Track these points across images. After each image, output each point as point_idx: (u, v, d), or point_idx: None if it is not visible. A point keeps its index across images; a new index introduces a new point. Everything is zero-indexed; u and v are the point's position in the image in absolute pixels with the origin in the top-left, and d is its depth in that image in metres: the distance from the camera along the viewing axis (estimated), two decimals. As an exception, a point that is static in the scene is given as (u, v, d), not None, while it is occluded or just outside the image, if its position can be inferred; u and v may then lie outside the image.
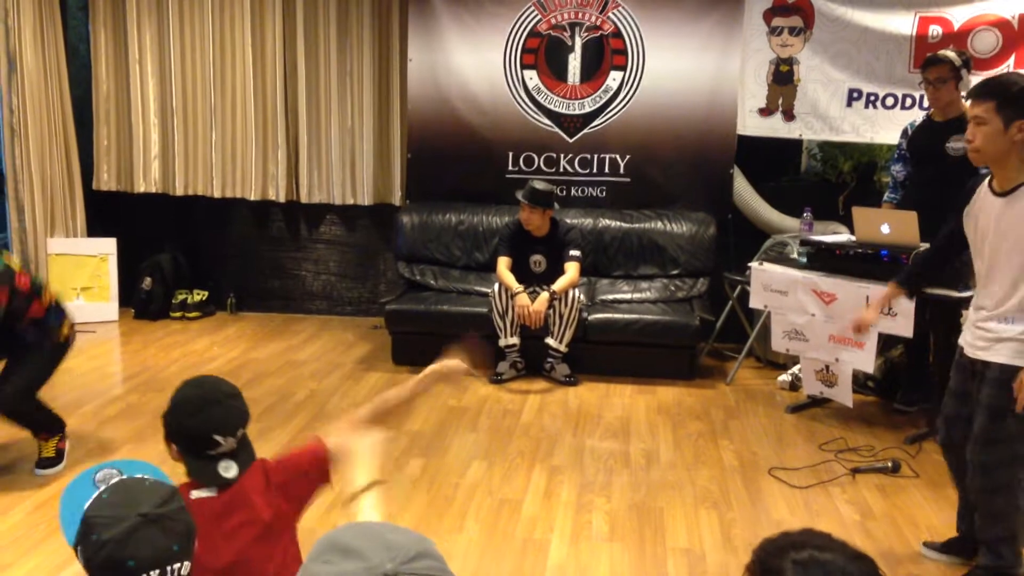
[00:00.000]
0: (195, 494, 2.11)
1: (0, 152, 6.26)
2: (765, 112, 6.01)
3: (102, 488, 1.66)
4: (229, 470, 2.12)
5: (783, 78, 5.96)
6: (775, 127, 6.00)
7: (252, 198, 6.75)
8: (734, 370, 5.60)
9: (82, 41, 6.70)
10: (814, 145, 6.33)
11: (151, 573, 1.54)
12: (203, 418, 2.11)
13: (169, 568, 1.57)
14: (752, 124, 6.02)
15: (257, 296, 7.01)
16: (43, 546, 3.42)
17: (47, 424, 4.12)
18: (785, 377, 5.44)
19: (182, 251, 6.94)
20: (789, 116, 5.97)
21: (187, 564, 1.61)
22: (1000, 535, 3.15)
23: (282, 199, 6.72)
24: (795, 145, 6.28)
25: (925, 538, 3.58)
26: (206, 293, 6.88)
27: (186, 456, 2.14)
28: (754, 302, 5.06)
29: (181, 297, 6.79)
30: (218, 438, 2.10)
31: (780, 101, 5.97)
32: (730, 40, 5.95)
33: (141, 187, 6.80)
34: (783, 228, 5.89)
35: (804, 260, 4.92)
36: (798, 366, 5.12)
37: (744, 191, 6.08)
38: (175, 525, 1.60)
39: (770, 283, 4.91)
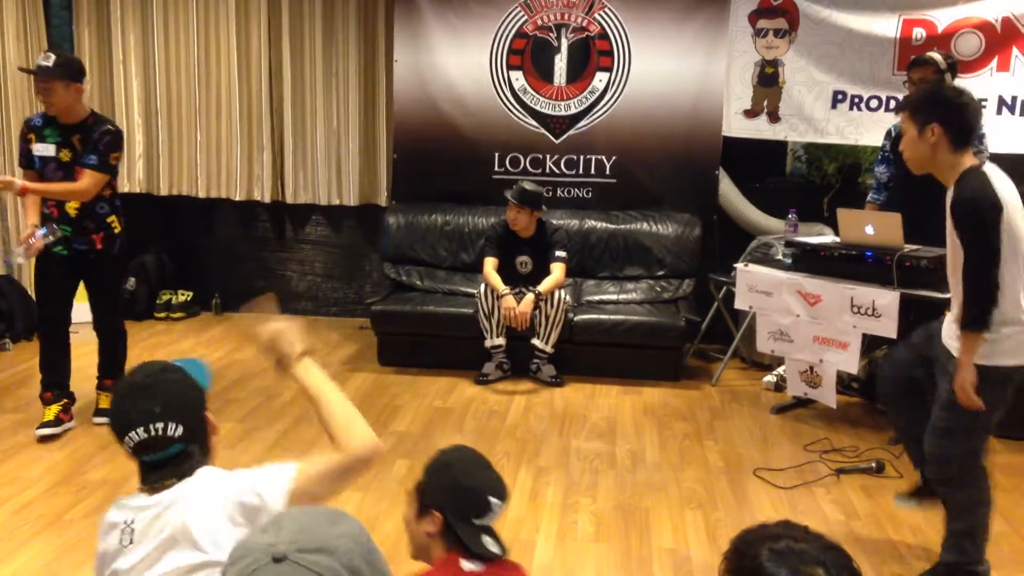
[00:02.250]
0: (465, 566, 2.01)
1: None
2: (750, 114, 6.02)
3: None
4: (492, 545, 2.02)
5: (768, 80, 5.98)
6: (760, 129, 6.02)
7: (237, 198, 6.73)
8: (719, 371, 5.62)
9: (65, 40, 6.65)
10: (799, 147, 6.36)
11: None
12: (482, 479, 2.02)
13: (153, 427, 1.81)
14: (737, 126, 6.04)
15: (242, 297, 6.95)
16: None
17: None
18: (770, 378, 5.46)
19: (167, 251, 6.91)
20: (774, 118, 5.98)
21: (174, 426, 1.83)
22: (962, 529, 3.17)
23: (267, 199, 6.70)
24: (780, 147, 6.30)
25: (909, 538, 3.60)
26: (191, 294, 6.85)
27: (454, 524, 2.01)
28: (739, 303, 5.07)
29: (166, 298, 6.76)
30: (493, 501, 2.02)
31: (765, 103, 5.99)
32: (716, 42, 5.97)
33: (125, 187, 6.75)
34: (768, 229, 5.91)
35: (789, 261, 4.94)
36: (783, 367, 5.14)
37: (729, 192, 6.10)
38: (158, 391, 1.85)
39: (755, 284, 4.93)
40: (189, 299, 6.83)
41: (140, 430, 1.81)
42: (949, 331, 3.13)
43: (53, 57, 4.31)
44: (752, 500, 3.95)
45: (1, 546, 3.41)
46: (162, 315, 6.73)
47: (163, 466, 1.84)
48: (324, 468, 1.87)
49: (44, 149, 4.41)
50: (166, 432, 1.82)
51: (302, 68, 6.53)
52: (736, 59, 5.98)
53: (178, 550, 1.75)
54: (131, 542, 1.78)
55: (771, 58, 5.96)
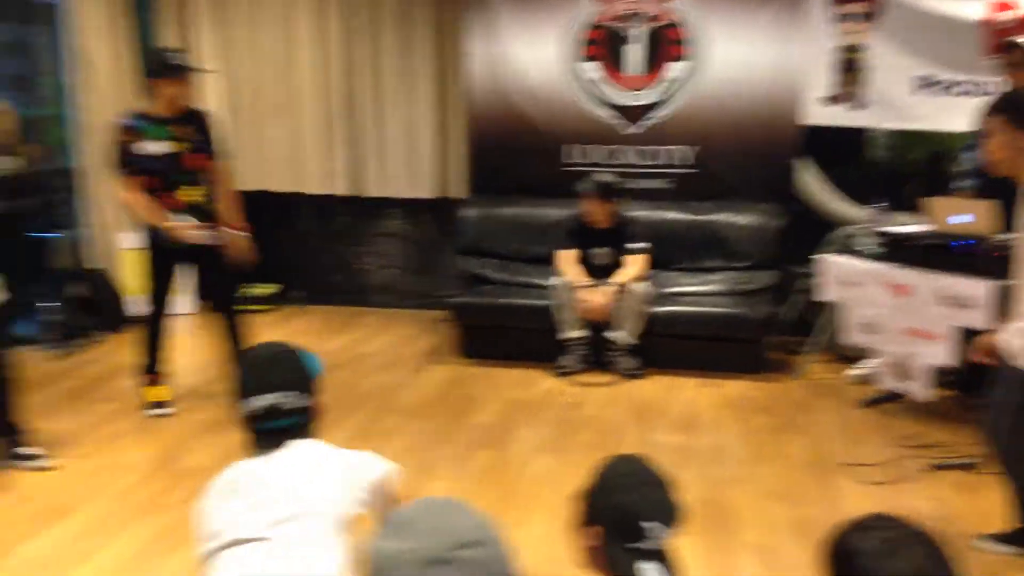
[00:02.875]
0: None
1: (69, 149, 6.40)
2: (831, 100, 5.90)
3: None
4: (651, 573, 1.76)
5: (850, 65, 5.84)
6: (841, 116, 5.88)
7: (316, 193, 6.83)
8: (803, 364, 5.52)
9: (149, 40, 6.81)
10: (881, 134, 6.19)
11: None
12: (639, 499, 1.79)
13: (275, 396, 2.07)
14: (817, 113, 5.91)
15: (322, 290, 7.09)
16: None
17: None
18: (857, 371, 5.35)
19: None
20: (856, 104, 5.85)
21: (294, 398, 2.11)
22: None
23: (345, 193, 6.78)
24: (862, 134, 6.16)
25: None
26: (274, 287, 6.97)
27: (609, 544, 1.79)
28: (825, 294, 4.97)
29: (249, 291, 6.88)
30: (649, 525, 1.77)
31: (847, 89, 5.86)
32: (794, 27, 5.85)
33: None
34: (851, 219, 5.77)
35: (875, 251, 4.82)
36: (870, 360, 5.03)
37: (810, 181, 5.98)
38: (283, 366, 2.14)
39: (840, 275, 4.82)
40: (272, 293, 6.95)
41: (262, 397, 1.98)
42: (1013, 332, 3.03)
43: (181, 54, 4.49)
44: (839, 495, 3.87)
45: (100, 531, 3.53)
46: (247, 307, 6.86)
47: (279, 433, 2.00)
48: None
49: (158, 147, 4.49)
50: (286, 403, 1.99)
51: (378, 63, 6.59)
52: (816, 44, 5.85)
53: (280, 503, 1.94)
54: (238, 495, 1.97)
55: (853, 43, 5.81)
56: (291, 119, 6.77)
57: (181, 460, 4.20)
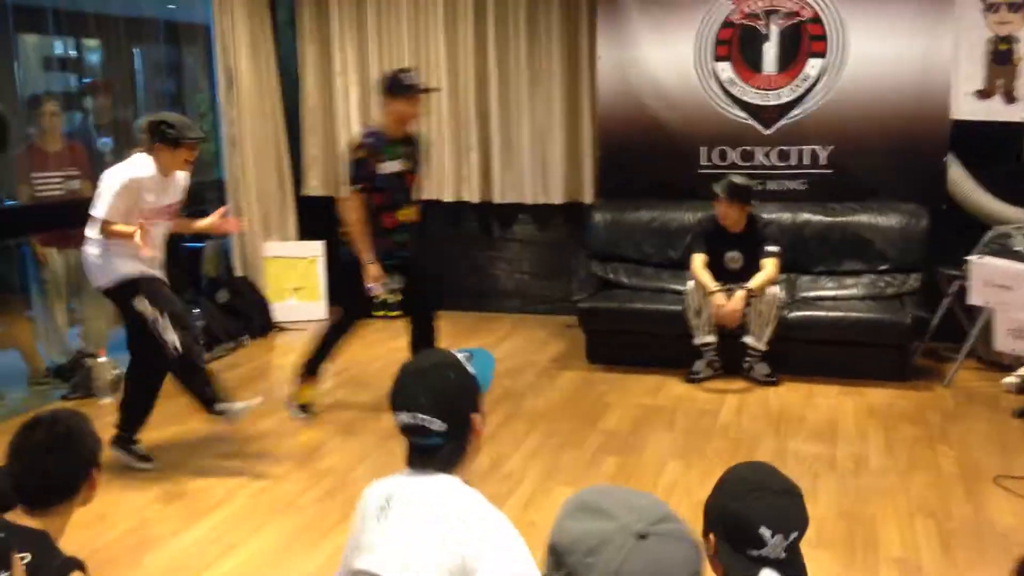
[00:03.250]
0: None
1: (220, 162, 6.72)
2: (983, 95, 5.60)
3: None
4: None
5: (1002, 57, 5.53)
6: (994, 110, 5.58)
7: (447, 199, 6.94)
8: (952, 371, 5.23)
9: (291, 57, 7.09)
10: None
11: (402, 412, 1.92)
12: (756, 505, 1.68)
13: (416, 414, 1.90)
14: (968, 108, 5.62)
15: (453, 295, 7.18)
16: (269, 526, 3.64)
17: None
18: (1011, 379, 5.04)
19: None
20: (1010, 98, 5.54)
21: (434, 420, 1.90)
22: None
23: (476, 199, 6.86)
24: (1018, 129, 5.79)
25: None
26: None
27: (724, 551, 1.70)
28: (974, 298, 4.71)
29: (382, 296, 7.04)
30: (766, 532, 1.65)
31: (999, 82, 5.55)
32: (941, 19, 5.58)
33: (345, 192, 7.11)
34: (1006, 218, 5.45)
35: (1030, 252, 4.54)
36: (1025, 367, 4.73)
37: (961, 180, 5.68)
38: (431, 381, 1.94)
39: (992, 278, 4.56)
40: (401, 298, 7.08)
41: (406, 414, 1.90)
42: None
43: (415, 74, 4.67)
44: (991, 510, 3.65)
45: (239, 528, 3.67)
46: (380, 313, 7.03)
47: (422, 452, 1.92)
48: None
49: (392, 167, 4.62)
50: (428, 423, 1.88)
51: (507, 70, 6.65)
52: (965, 37, 5.56)
53: (418, 535, 1.83)
54: (386, 517, 1.89)
55: (1005, 34, 5.51)
56: (424, 128, 6.89)
57: (319, 461, 4.32)
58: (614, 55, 6.19)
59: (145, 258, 4.00)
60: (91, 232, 4.03)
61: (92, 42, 6.78)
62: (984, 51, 5.57)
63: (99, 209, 3.92)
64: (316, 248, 6.99)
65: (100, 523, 3.63)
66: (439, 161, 6.89)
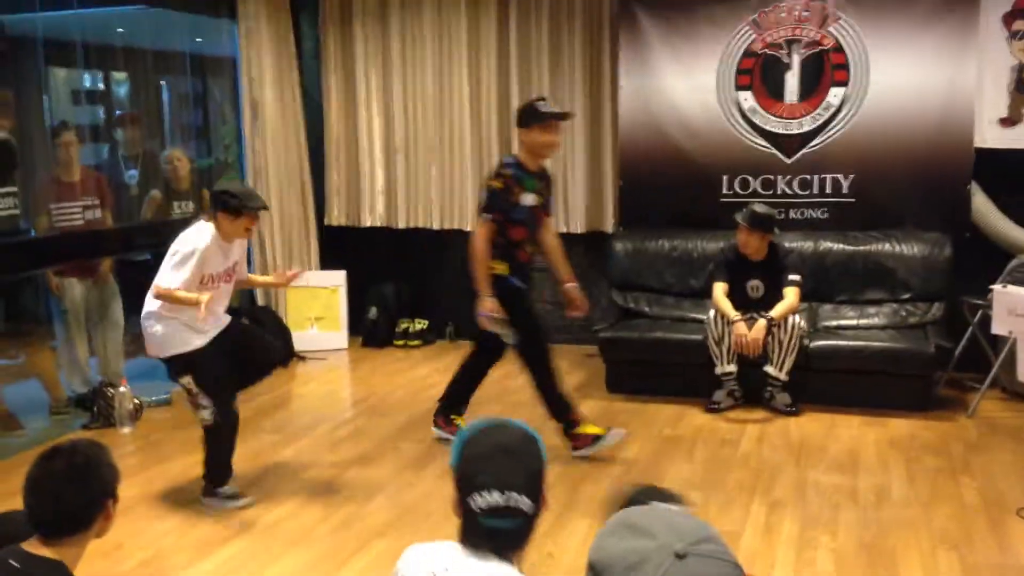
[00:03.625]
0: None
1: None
2: (1007, 122, 5.56)
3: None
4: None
5: (1027, 85, 5.50)
6: (1019, 138, 5.54)
7: (469, 229, 6.95)
8: (976, 401, 5.16)
9: (315, 88, 7.19)
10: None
11: (493, 492, 1.69)
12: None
13: (510, 495, 1.70)
14: (992, 136, 5.58)
15: (474, 325, 7.14)
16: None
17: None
18: (1036, 410, 4.97)
19: (404, 281, 7.25)
20: (1035, 126, 5.49)
21: (525, 500, 1.71)
22: None
23: (498, 229, 6.88)
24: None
25: None
26: (426, 322, 7.13)
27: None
28: (997, 327, 4.65)
29: (404, 326, 7.08)
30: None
31: (1024, 110, 5.51)
32: (965, 47, 5.56)
33: (367, 221, 7.18)
34: (1030, 247, 5.40)
35: (1056, 281, 4.48)
36: (1051, 398, 4.65)
37: (985, 208, 5.62)
38: (517, 462, 1.74)
39: (1016, 307, 4.50)
40: (425, 327, 7.12)
41: (499, 495, 1.69)
42: None
43: (551, 103, 4.51)
44: (1016, 543, 3.58)
45: (255, 559, 3.67)
46: (400, 343, 7.06)
47: (495, 534, 1.71)
48: None
49: (530, 199, 4.50)
50: (519, 504, 1.70)
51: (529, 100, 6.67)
52: (989, 65, 5.54)
53: None
54: None
55: (1029, 62, 5.48)
56: (447, 158, 6.95)
57: (336, 491, 4.32)
58: (636, 84, 6.21)
59: (205, 326, 4.02)
60: (152, 304, 4.03)
61: (120, 75, 6.92)
62: (1009, 79, 5.54)
63: (166, 279, 3.93)
64: (338, 278, 7.04)
65: (117, 552, 3.65)
66: (462, 190, 6.93)
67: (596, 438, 4.60)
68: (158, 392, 5.77)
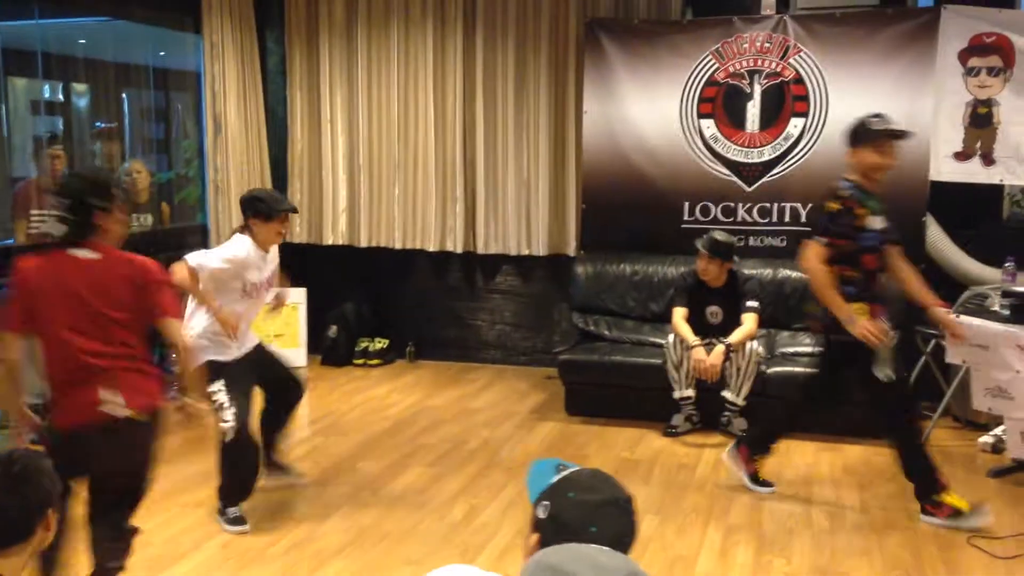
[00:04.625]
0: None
1: (205, 208, 6.73)
2: (961, 156, 5.67)
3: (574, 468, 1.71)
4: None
5: (981, 121, 5.62)
6: (973, 172, 5.65)
7: (431, 249, 6.96)
8: (929, 429, 5.23)
9: (280, 104, 7.16)
10: (1017, 191, 5.91)
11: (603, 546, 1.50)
12: None
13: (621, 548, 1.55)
14: (947, 169, 5.69)
15: (434, 345, 7.18)
16: None
17: None
18: (987, 438, 5.04)
19: (365, 300, 7.21)
20: (988, 160, 5.61)
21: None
22: None
23: (460, 250, 6.89)
24: (996, 191, 5.88)
25: None
26: (387, 341, 7.10)
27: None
28: (951, 357, 4.73)
29: (363, 345, 7.04)
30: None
31: (978, 145, 5.63)
32: (922, 82, 5.67)
33: (329, 239, 7.14)
34: (983, 279, 5.49)
35: (1007, 312, 4.56)
36: (1002, 427, 4.73)
37: (938, 240, 5.73)
38: (628, 519, 1.64)
39: (969, 337, 4.57)
40: (385, 347, 7.08)
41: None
42: None
43: (886, 119, 4.07)
44: (965, 570, 3.63)
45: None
46: (360, 361, 7.01)
47: None
48: None
49: (878, 223, 4.09)
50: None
51: (494, 122, 6.72)
52: (945, 100, 5.66)
53: None
54: None
55: (984, 98, 5.61)
56: (410, 178, 6.95)
57: (291, 511, 4.27)
58: (600, 110, 6.26)
59: (233, 342, 4.07)
60: (198, 322, 4.04)
61: (81, 87, 6.84)
62: (963, 114, 5.66)
63: (191, 257, 3.96)
64: (298, 295, 6.98)
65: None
66: (425, 210, 6.93)
67: (956, 512, 4.03)
68: (111, 407, 5.67)
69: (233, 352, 4.11)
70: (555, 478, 1.66)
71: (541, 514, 1.61)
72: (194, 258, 3.96)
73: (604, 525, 1.57)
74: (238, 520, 4.04)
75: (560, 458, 1.78)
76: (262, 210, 4.10)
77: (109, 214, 3.02)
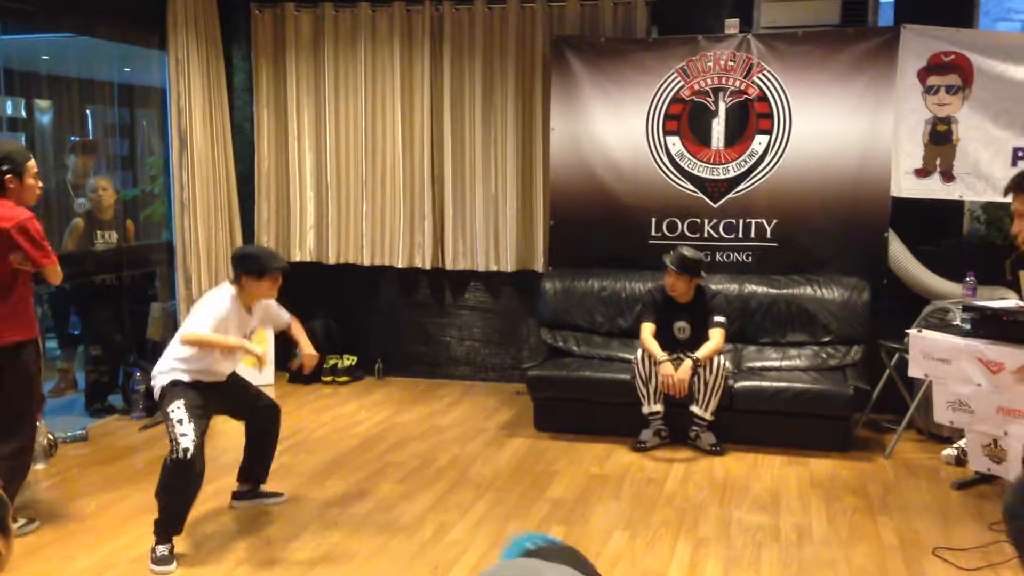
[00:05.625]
0: None
1: (171, 225, 6.68)
2: (922, 173, 5.77)
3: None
4: None
5: (941, 138, 5.72)
6: (933, 188, 5.75)
7: (400, 266, 6.95)
8: (893, 442, 5.30)
9: (247, 120, 7.13)
10: (977, 207, 6.02)
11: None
12: None
13: None
14: (908, 186, 5.79)
15: (403, 361, 7.16)
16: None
17: None
18: (950, 451, 5.11)
19: (334, 317, 7.18)
20: (948, 177, 5.71)
21: None
22: None
23: (428, 266, 6.89)
24: (956, 207, 5.99)
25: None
26: (355, 358, 7.07)
27: None
28: (914, 371, 4.78)
29: (332, 362, 7.00)
30: None
31: (938, 161, 5.73)
32: (882, 100, 5.77)
33: (297, 256, 7.11)
34: (944, 293, 5.59)
35: (968, 327, 4.64)
36: (964, 439, 4.80)
37: (900, 255, 5.82)
38: None
39: (931, 351, 4.64)
40: (354, 363, 7.05)
41: None
42: None
43: None
44: (932, 582, 3.67)
45: None
46: (328, 379, 6.97)
47: None
48: None
49: None
50: None
51: (462, 139, 6.74)
52: (905, 117, 5.75)
53: None
54: None
55: (943, 115, 5.71)
56: (378, 195, 6.94)
57: (258, 529, 4.23)
58: (567, 127, 6.30)
59: (216, 370, 4.14)
60: (169, 360, 4.08)
61: (44, 103, 6.77)
62: (923, 131, 5.76)
63: (194, 325, 4.03)
64: (266, 312, 6.93)
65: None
66: (393, 227, 6.92)
67: None
68: (73, 427, 5.61)
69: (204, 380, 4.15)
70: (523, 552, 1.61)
71: None
72: (194, 327, 4.02)
73: None
74: (165, 560, 3.78)
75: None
76: (254, 268, 4.16)
77: None
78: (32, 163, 4.07)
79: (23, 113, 6.90)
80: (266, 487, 4.60)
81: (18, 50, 6.47)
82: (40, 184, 4.15)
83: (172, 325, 6.68)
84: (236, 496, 4.53)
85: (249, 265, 4.16)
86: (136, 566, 3.83)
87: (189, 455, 3.81)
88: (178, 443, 3.84)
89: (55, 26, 6.05)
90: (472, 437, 5.64)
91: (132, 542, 4.05)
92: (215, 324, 4.02)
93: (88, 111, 7.03)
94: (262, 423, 4.46)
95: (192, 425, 3.89)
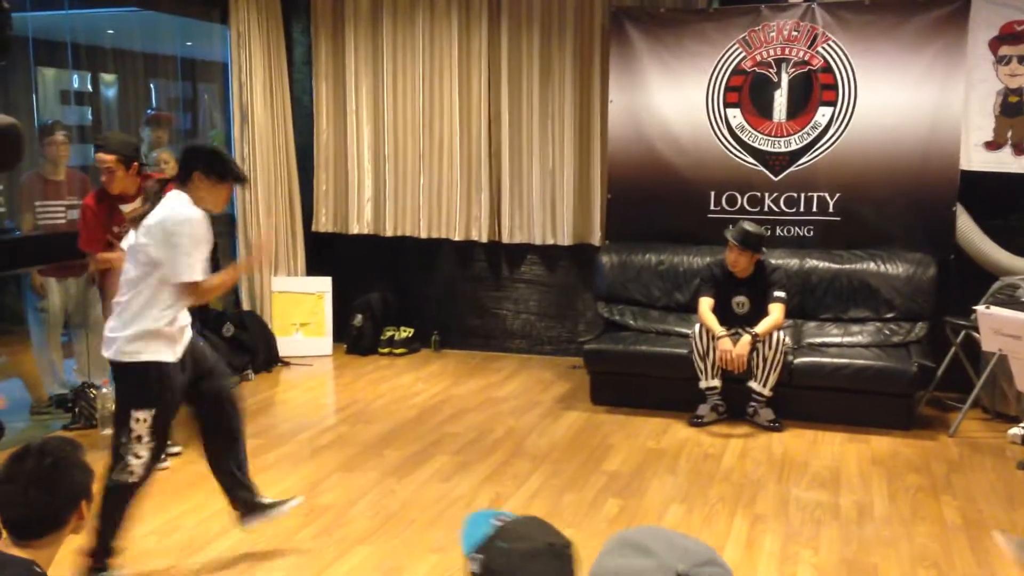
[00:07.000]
0: None
1: (233, 197, 6.77)
2: (992, 146, 5.61)
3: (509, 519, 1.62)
4: None
5: (1012, 109, 5.56)
6: (1004, 161, 5.59)
7: (456, 238, 6.97)
8: (958, 421, 5.19)
9: (305, 93, 7.18)
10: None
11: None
12: None
13: None
14: (978, 159, 5.63)
15: (459, 334, 7.19)
16: (258, 564, 3.60)
17: None
18: (1017, 430, 4.99)
19: (391, 290, 7.24)
20: (1020, 150, 5.55)
21: None
22: None
23: (484, 239, 6.89)
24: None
25: None
26: (412, 330, 7.12)
27: None
28: (987, 345, 4.67)
29: (389, 334, 7.06)
30: None
31: (1009, 134, 5.56)
32: (952, 71, 5.61)
33: (355, 229, 7.17)
34: (1013, 269, 5.44)
35: (1038, 303, 4.52)
36: (1032, 419, 4.69)
37: (969, 230, 5.67)
38: (564, 565, 1.55)
39: (1002, 327, 4.53)
40: (410, 336, 7.10)
41: None
42: None
43: None
44: (995, 562, 3.60)
45: (236, 565, 3.64)
46: (385, 350, 7.04)
47: None
48: None
49: None
50: None
51: (519, 112, 6.71)
52: (975, 88, 5.59)
53: None
54: None
55: (1015, 86, 5.54)
56: (435, 168, 6.96)
57: (318, 497, 4.30)
58: (626, 99, 6.24)
59: (175, 330, 3.37)
60: (158, 303, 3.33)
61: (109, 77, 6.89)
62: (994, 103, 5.59)
63: (190, 273, 3.28)
64: (324, 284, 7.03)
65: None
66: (450, 200, 6.93)
67: None
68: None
69: (179, 347, 3.42)
70: (488, 530, 1.59)
71: (474, 568, 1.53)
72: (190, 275, 3.30)
73: (537, 572, 1.51)
74: None
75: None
76: (216, 168, 3.37)
77: None
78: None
79: (89, 87, 7.03)
80: (261, 485, 3.84)
81: (83, 24, 6.60)
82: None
83: (232, 295, 6.80)
84: (242, 517, 3.73)
85: (212, 162, 3.37)
86: (202, 528, 3.92)
87: (134, 479, 3.33)
88: (127, 464, 3.31)
89: (120, 0, 6.15)
90: (528, 410, 5.66)
91: (196, 506, 4.15)
92: (205, 259, 3.30)
93: (152, 85, 7.14)
94: (223, 423, 3.64)
95: (152, 445, 3.33)
